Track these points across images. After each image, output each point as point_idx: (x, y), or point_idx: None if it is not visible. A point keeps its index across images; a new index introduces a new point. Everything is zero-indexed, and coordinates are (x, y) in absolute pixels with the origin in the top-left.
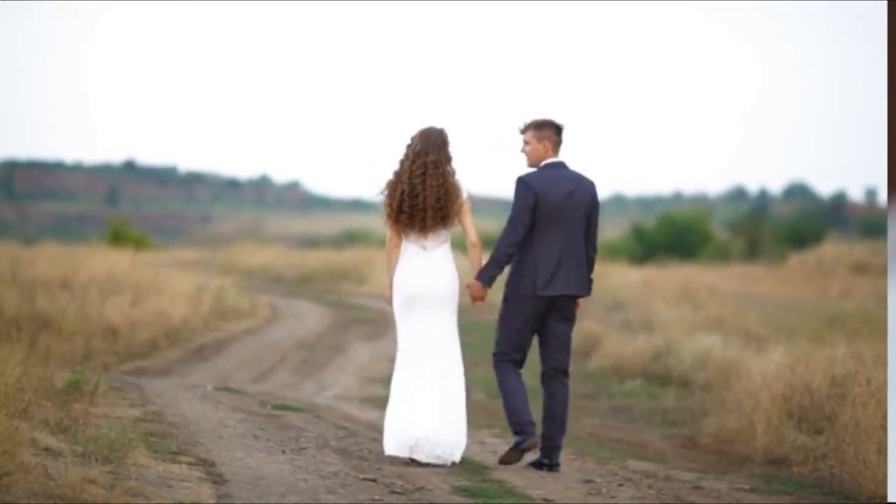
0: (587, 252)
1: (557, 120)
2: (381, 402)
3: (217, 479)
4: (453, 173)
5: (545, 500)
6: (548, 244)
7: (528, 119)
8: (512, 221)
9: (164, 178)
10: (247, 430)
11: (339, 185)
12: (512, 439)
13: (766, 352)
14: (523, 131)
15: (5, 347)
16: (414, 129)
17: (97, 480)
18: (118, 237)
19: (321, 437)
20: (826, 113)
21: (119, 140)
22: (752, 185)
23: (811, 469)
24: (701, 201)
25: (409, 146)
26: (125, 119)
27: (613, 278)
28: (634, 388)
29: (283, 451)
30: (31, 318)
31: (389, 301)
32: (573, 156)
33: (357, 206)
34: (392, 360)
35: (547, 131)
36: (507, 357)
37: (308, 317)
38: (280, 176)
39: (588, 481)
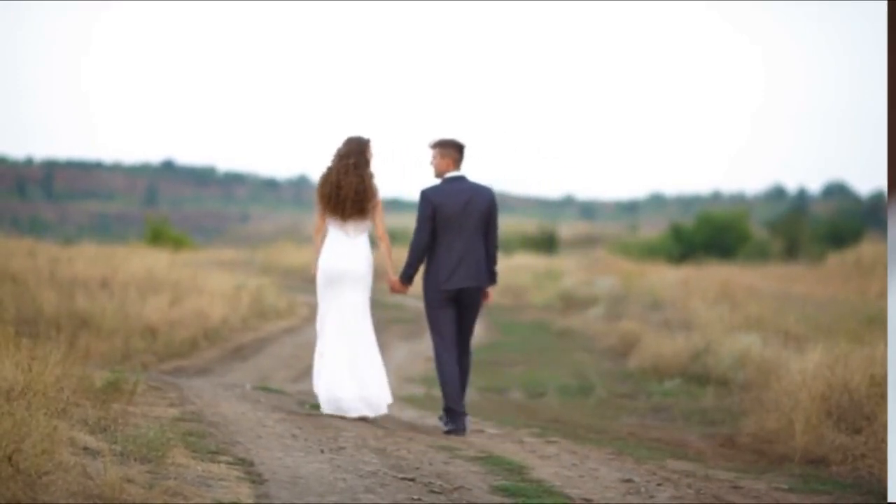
0: (488, 249)
1: (459, 140)
2: (419, 402)
3: (256, 479)
4: (371, 176)
5: (584, 499)
6: (448, 246)
7: (435, 138)
8: (416, 230)
9: (202, 177)
10: (285, 429)
11: None
12: (444, 418)
13: (805, 351)
14: (431, 147)
15: (44, 347)
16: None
17: (136, 480)
18: (157, 237)
19: (360, 437)
20: (866, 111)
21: (158, 140)
22: (791, 185)
23: (850, 469)
24: (739, 201)
25: (338, 149)
26: (164, 119)
27: (652, 278)
28: (673, 387)
29: (322, 451)
30: (70, 317)
31: (314, 278)
32: (615, 156)
33: (393, 205)
34: (429, 359)
35: (449, 149)
36: (444, 344)
37: None
38: (318, 176)
39: (627, 480)
